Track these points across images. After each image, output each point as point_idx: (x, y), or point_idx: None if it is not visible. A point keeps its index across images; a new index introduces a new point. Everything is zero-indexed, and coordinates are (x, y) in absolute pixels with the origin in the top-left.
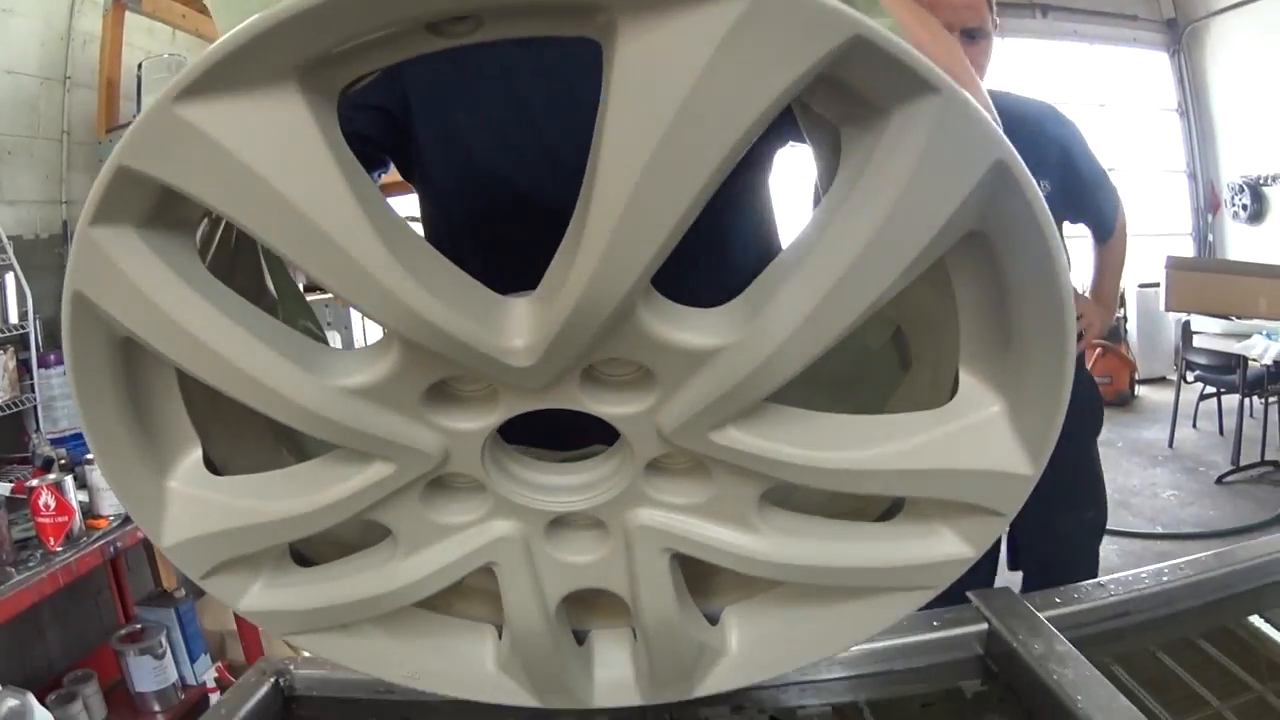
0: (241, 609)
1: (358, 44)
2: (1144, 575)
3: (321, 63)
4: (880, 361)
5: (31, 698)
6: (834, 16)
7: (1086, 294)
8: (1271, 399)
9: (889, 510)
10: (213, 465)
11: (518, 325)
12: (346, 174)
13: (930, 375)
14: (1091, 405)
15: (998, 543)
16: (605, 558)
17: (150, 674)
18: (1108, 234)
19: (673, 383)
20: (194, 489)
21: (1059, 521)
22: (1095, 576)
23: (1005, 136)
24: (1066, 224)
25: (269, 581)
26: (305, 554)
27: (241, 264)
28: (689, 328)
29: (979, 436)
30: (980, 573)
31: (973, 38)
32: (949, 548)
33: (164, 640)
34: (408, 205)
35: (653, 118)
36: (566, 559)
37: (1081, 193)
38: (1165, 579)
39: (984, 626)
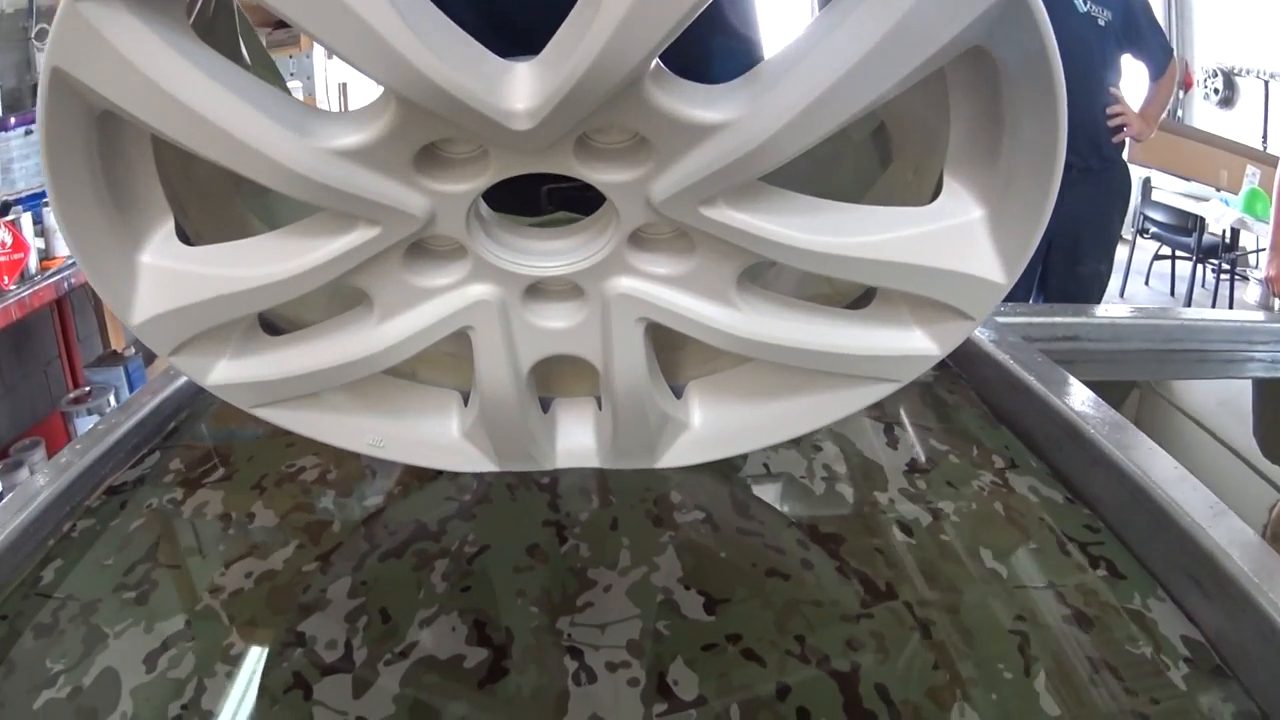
0: (209, 383)
1: None
2: (1096, 309)
3: None
4: (858, 154)
5: None
6: None
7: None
8: (1224, 274)
9: (854, 304)
10: (185, 239)
11: (520, 89)
12: None
13: (911, 174)
14: (1123, 189)
15: (1032, 276)
16: (580, 325)
17: None
18: (1159, 74)
19: (669, 154)
20: (167, 261)
21: (1083, 263)
22: None
23: None
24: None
25: (238, 352)
26: (275, 322)
27: (219, 31)
28: (693, 102)
29: (958, 239)
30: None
31: None
32: (917, 344)
33: (112, 399)
34: None
35: None
36: (542, 324)
37: (1139, 37)
38: (1116, 314)
39: None
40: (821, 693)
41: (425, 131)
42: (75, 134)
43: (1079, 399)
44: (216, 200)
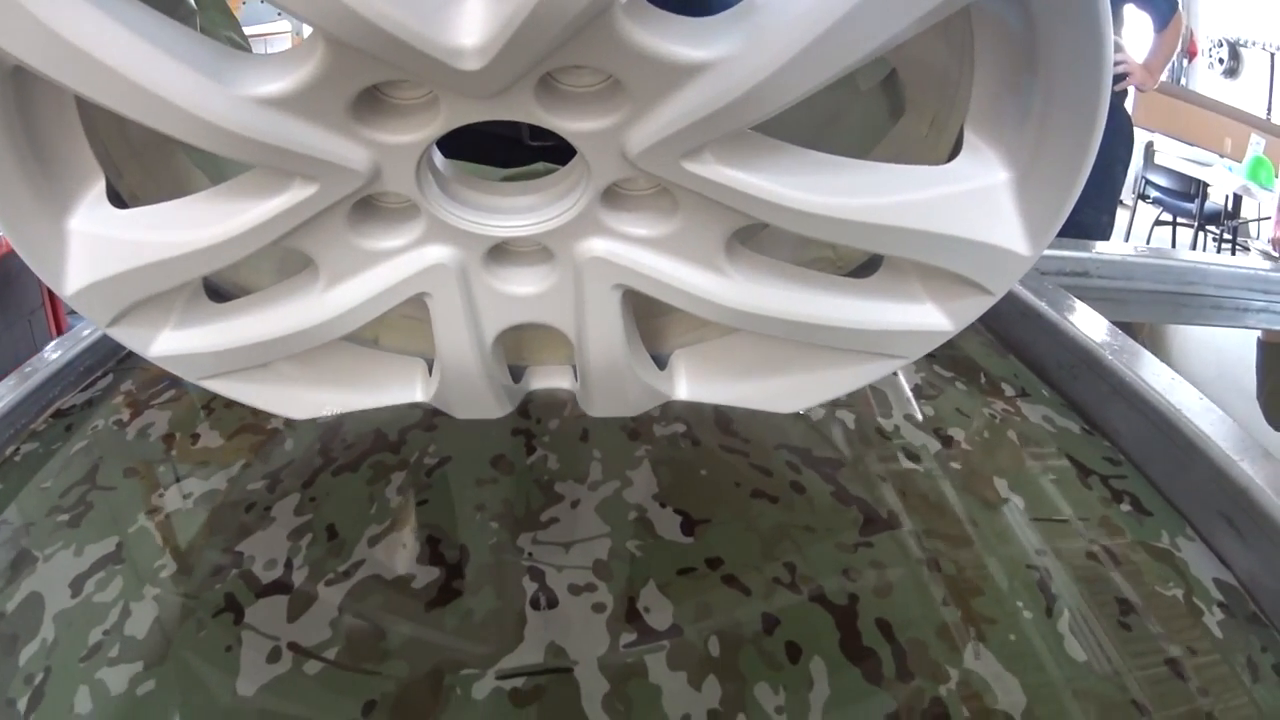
0: (152, 355)
1: None
2: (1105, 246)
3: None
4: (866, 105)
5: None
6: None
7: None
8: (1224, 243)
9: (858, 271)
10: (121, 201)
11: (468, 22)
12: None
13: (926, 128)
14: (1125, 136)
15: None
16: (550, 291)
17: None
18: (1162, 26)
19: (646, 98)
20: (97, 227)
21: (1083, 213)
22: None
23: None
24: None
25: (182, 322)
26: (222, 289)
27: None
28: (674, 36)
29: (979, 204)
30: None
31: None
32: (927, 318)
33: None
34: None
35: None
36: (506, 290)
37: None
38: (1129, 253)
39: None
40: (814, 626)
41: (360, 75)
42: None
43: (1093, 326)
44: (156, 157)
